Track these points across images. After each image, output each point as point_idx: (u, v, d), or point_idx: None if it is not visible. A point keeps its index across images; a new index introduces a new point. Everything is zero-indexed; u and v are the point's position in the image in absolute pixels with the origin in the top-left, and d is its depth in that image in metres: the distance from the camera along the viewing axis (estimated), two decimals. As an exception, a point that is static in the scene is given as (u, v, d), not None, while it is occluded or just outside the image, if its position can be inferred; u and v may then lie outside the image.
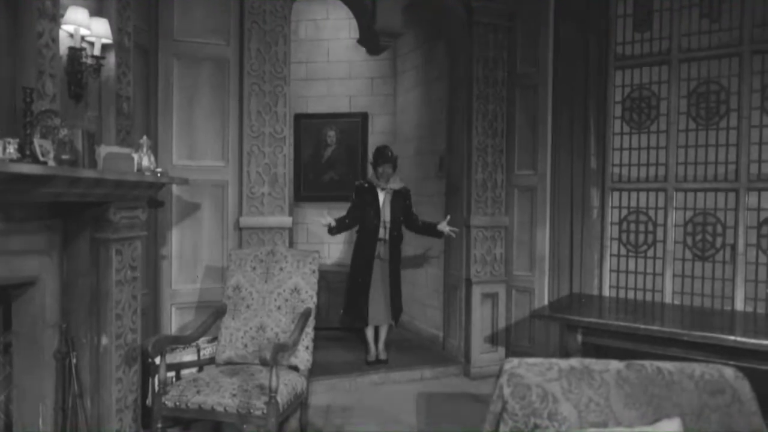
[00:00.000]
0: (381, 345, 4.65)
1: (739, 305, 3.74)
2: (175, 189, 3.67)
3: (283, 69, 3.89)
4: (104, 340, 2.76)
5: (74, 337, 2.69)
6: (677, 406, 1.68)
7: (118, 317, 2.79)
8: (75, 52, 2.62)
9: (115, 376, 2.78)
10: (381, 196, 4.51)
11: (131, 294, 2.89)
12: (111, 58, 2.87)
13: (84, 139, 2.53)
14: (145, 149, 2.89)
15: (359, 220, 4.53)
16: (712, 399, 1.69)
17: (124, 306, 2.84)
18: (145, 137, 2.95)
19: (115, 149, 2.77)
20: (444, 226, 4.41)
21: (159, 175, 2.92)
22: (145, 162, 2.86)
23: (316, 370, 4.18)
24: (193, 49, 3.71)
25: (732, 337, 2.83)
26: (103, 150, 2.68)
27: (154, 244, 3.60)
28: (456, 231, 4.44)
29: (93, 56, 2.70)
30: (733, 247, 3.78)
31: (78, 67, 2.65)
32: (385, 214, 4.49)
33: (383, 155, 4.50)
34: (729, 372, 1.73)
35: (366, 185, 4.55)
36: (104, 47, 2.77)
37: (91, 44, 2.72)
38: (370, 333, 4.63)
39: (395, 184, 4.56)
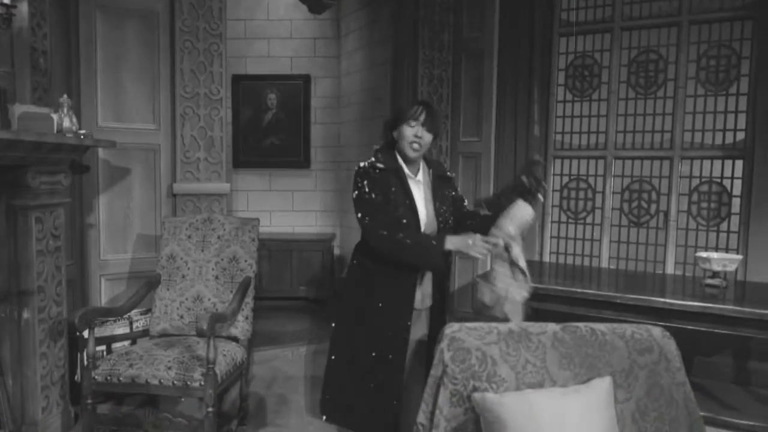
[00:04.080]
0: None
1: (670, 269, 3.97)
2: (102, 153, 3.50)
3: (218, 26, 3.73)
4: (26, 314, 2.64)
5: (-9, 311, 2.56)
6: (608, 365, 1.77)
7: (40, 289, 2.67)
8: (-20, -1, 2.41)
9: (39, 351, 2.67)
10: (415, 186, 2.32)
11: (55, 265, 2.77)
12: (23, 8, 2.66)
13: (-6, 96, 2.35)
14: (65, 109, 2.74)
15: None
16: (641, 357, 1.79)
17: (46, 277, 2.71)
18: (65, 96, 2.79)
19: (32, 108, 2.59)
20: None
21: (82, 137, 2.78)
22: (67, 123, 2.71)
23: (258, 341, 4.17)
24: (118, 0, 3.49)
25: (661, 299, 3.01)
26: (17, 109, 2.51)
27: (79, 211, 3.44)
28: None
29: (2, 4, 2.49)
30: (666, 214, 3.99)
31: (-15, 16, 2.44)
32: (429, 218, 2.31)
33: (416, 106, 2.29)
34: (657, 331, 1.84)
35: (378, 170, 2.26)
36: (15, -6, 2.56)
37: (0, -9, 2.50)
38: None
39: (439, 168, 2.46)
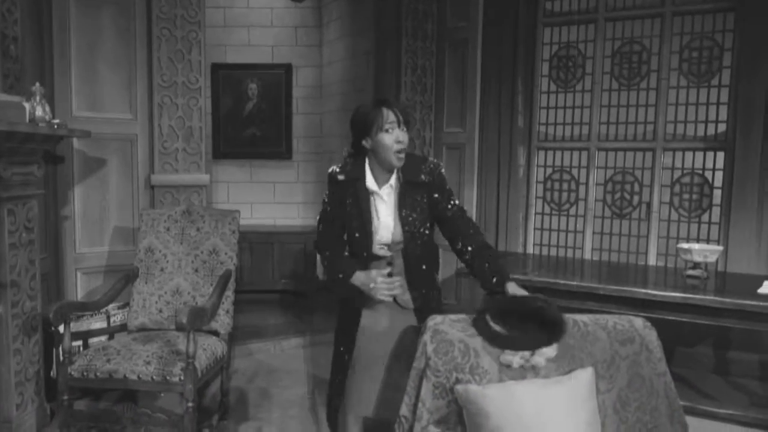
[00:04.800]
0: None
1: (652, 260, 4.03)
2: (77, 143, 3.44)
3: (196, 13, 3.68)
4: (-2, 309, 2.59)
5: (-38, 306, 2.51)
6: (591, 356, 1.79)
7: (13, 284, 2.62)
8: (-53, -17, 2.35)
9: (12, 347, 2.62)
10: (378, 197, 2.18)
11: (28, 258, 2.72)
12: (-8, -8, 2.59)
13: (-37, 84, 2.29)
14: (38, 97, 2.69)
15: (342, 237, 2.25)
16: (623, 348, 1.82)
17: (20, 271, 2.66)
18: (38, 84, 2.74)
19: (3, 96, 2.54)
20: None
21: (56, 126, 2.73)
22: (39, 112, 2.66)
23: (240, 334, 4.16)
24: (92, -15, 3.43)
25: (643, 290, 3.05)
26: (-13, 97, 2.45)
27: (53, 203, 3.38)
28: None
29: (-30, -12, 2.43)
30: (648, 205, 4.04)
31: (-48, 0, 2.38)
32: (395, 228, 2.18)
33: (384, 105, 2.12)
34: (639, 322, 1.87)
35: (343, 177, 2.19)
36: (-17, -22, 2.50)
37: (-33, -26, 2.44)
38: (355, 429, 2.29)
39: (412, 172, 2.17)
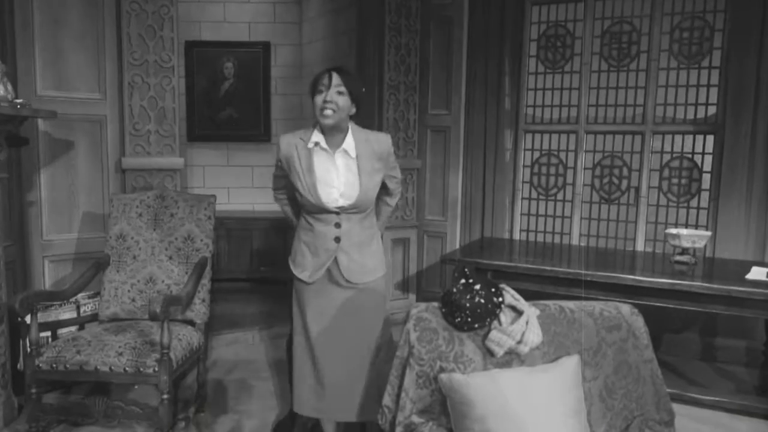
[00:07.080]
0: None
1: (640, 246, 4.08)
2: (42, 124, 3.37)
3: (168, -14, 3.61)
4: (-40, 299, 2.55)
5: None
6: (577, 343, 1.82)
7: (-24, 272, 2.57)
8: None
9: (-24, 338, 2.59)
10: (328, 159, 2.33)
11: (-9, 245, 2.67)
12: (-52, -38, 2.51)
13: None
14: (-1, 76, 2.62)
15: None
16: (609, 335, 1.84)
17: (-18, 259, 2.62)
18: (-2, 61, 2.67)
19: (-39, 74, 2.48)
20: None
21: (19, 106, 2.66)
22: (1, 91, 2.60)
23: (218, 324, 4.15)
24: (56, -44, 3.34)
25: (631, 276, 3.10)
26: (-57, 75, 2.39)
27: (18, 188, 3.31)
28: None
29: (-77, -42, 2.35)
30: (637, 190, 4.09)
31: None
32: (342, 179, 2.33)
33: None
34: (625, 309, 1.90)
35: (288, 142, 2.37)
36: (-62, -53, 2.42)
37: None
38: (329, 427, 2.73)
39: (356, 139, 2.34)
